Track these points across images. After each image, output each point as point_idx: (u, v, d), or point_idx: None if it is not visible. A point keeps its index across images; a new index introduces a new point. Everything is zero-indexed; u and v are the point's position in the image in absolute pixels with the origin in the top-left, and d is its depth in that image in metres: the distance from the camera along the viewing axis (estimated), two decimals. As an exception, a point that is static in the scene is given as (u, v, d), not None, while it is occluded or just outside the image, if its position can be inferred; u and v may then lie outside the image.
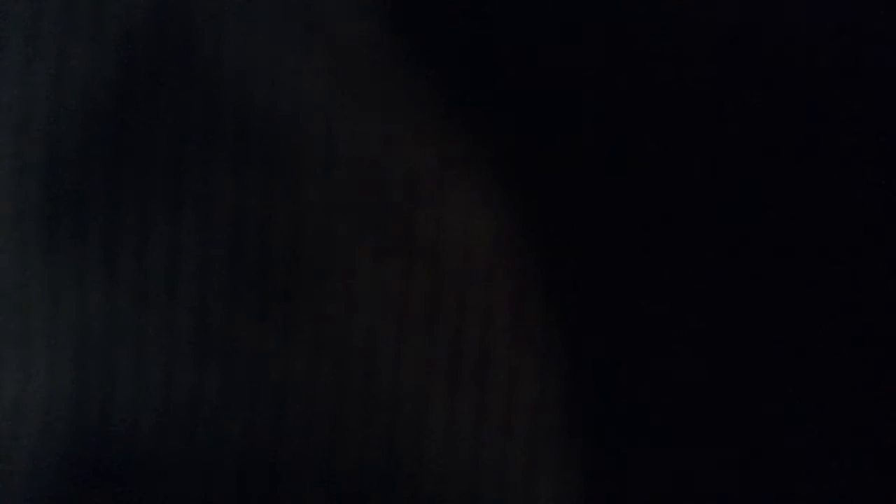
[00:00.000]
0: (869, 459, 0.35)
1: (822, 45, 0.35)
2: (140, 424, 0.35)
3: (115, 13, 0.35)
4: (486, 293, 0.35)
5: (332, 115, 0.35)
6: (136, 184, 0.35)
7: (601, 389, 0.35)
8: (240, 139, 0.35)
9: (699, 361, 0.35)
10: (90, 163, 0.35)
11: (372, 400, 0.35)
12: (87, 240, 0.35)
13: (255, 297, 0.35)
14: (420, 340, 0.35)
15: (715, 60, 0.35)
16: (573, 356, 0.35)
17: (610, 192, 0.35)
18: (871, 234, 0.35)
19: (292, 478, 0.35)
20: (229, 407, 0.35)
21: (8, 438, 0.36)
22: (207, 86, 0.35)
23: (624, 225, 0.35)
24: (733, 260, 0.35)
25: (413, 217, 0.35)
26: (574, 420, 0.35)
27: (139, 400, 0.35)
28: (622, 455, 0.35)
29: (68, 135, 0.35)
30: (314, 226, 0.35)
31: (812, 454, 0.35)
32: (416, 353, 0.35)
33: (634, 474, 0.35)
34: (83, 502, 0.35)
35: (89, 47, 0.35)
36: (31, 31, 0.35)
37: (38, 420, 0.35)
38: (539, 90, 0.35)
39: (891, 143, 0.35)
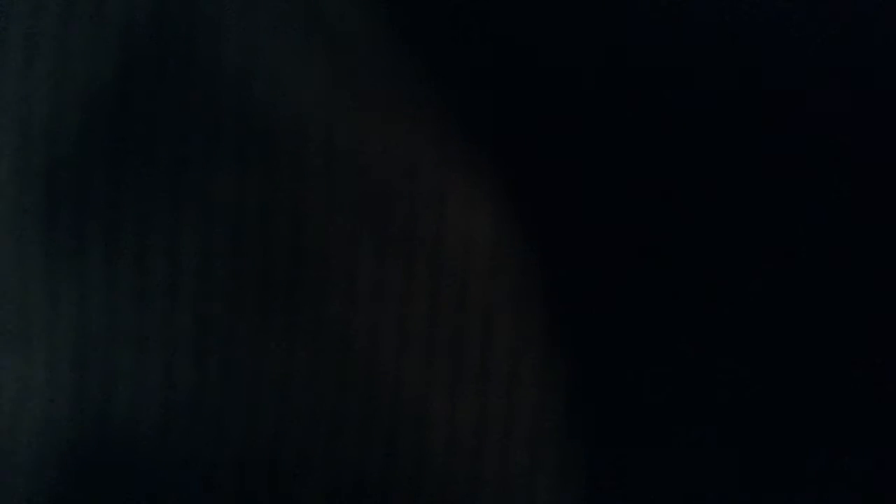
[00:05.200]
0: (869, 461, 0.35)
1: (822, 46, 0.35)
2: (140, 424, 0.35)
3: (116, 12, 0.35)
4: (487, 292, 0.35)
5: (333, 114, 0.35)
6: (136, 183, 0.35)
7: (602, 389, 0.35)
8: (240, 138, 0.35)
9: (701, 361, 0.35)
10: (90, 162, 0.35)
11: (373, 399, 0.35)
12: (87, 240, 0.35)
13: (255, 296, 0.35)
14: (421, 339, 0.35)
15: (720, 60, 0.35)
16: (574, 356, 0.35)
17: (612, 189, 0.35)
18: (874, 239, 0.35)
19: (293, 478, 0.35)
20: (230, 406, 0.35)
21: (8, 438, 0.36)
22: (208, 84, 0.35)
23: (626, 223, 0.35)
24: (738, 260, 0.35)
25: (414, 215, 0.35)
26: (575, 420, 0.35)
27: (139, 400, 0.35)
28: (623, 456, 0.35)
29: (68, 134, 0.35)
30: (315, 224, 0.35)
31: (813, 455, 0.35)
32: (416, 352, 0.35)
33: (635, 475, 0.35)
34: (83, 502, 0.35)
35: (89, 47, 0.35)
36: (31, 30, 0.35)
37: (38, 420, 0.35)
38: (541, 88, 0.35)
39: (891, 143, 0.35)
